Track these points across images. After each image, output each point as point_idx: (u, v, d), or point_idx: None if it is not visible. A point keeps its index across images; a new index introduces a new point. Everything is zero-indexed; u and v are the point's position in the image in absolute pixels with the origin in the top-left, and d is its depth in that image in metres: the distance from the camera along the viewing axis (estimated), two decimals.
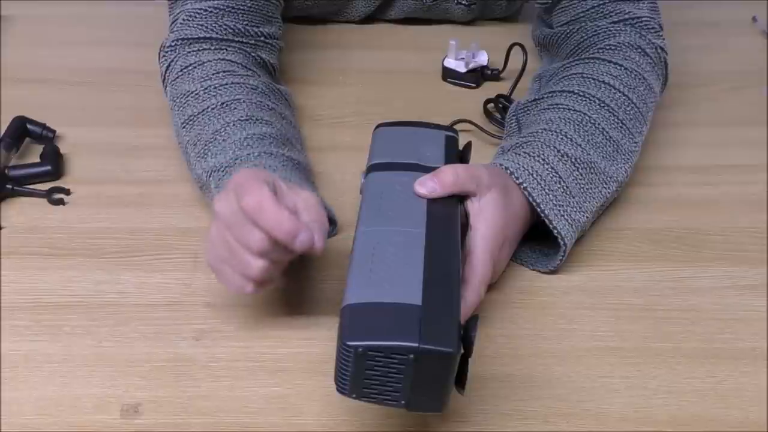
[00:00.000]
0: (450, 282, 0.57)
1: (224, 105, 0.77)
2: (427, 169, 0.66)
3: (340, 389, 0.54)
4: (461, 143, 0.73)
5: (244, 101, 0.78)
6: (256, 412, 0.62)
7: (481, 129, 0.89)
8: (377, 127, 0.74)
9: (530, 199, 0.69)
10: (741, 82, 1.01)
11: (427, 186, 0.64)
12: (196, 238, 0.76)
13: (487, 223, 0.66)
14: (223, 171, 0.71)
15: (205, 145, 0.74)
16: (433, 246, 0.59)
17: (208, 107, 0.77)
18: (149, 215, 0.79)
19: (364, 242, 0.60)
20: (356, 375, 0.52)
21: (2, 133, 0.85)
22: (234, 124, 0.75)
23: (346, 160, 0.86)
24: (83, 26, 1.10)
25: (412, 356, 0.51)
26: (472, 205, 0.67)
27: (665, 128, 0.91)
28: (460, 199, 0.66)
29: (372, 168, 0.68)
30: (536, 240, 0.73)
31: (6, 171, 0.81)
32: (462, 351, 0.53)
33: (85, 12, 1.13)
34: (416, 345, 0.51)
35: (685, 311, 0.70)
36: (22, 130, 0.86)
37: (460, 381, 0.55)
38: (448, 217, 0.63)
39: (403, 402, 0.53)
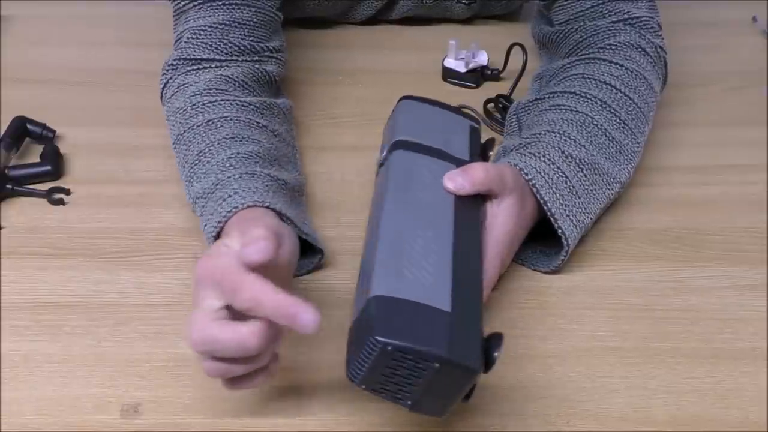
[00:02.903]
0: (476, 291, 0.57)
1: (210, 122, 0.75)
2: (454, 160, 0.65)
3: (352, 377, 0.52)
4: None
5: (231, 119, 0.75)
6: (256, 412, 0.62)
7: (485, 123, 0.89)
8: (402, 99, 0.72)
9: (538, 196, 0.69)
10: (741, 82, 1.01)
11: (456, 182, 0.64)
12: (196, 238, 0.76)
13: (503, 229, 0.66)
14: (205, 198, 0.69)
15: (191, 168, 0.72)
16: (461, 249, 0.58)
17: (194, 125, 0.75)
18: (149, 215, 0.79)
19: (391, 227, 0.59)
20: (374, 369, 0.51)
21: (2, 133, 0.85)
22: (218, 143, 0.72)
23: (346, 160, 0.86)
24: (83, 26, 1.10)
25: (437, 365, 0.51)
26: (491, 207, 0.66)
27: (665, 128, 0.91)
28: (482, 198, 0.66)
29: (398, 144, 0.66)
30: (537, 240, 0.73)
31: (6, 171, 0.81)
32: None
33: (85, 12, 1.13)
34: (445, 355, 0.51)
35: (685, 311, 0.70)
36: (22, 130, 0.86)
37: (469, 393, 0.55)
38: (474, 219, 0.63)
39: (409, 402, 0.53)
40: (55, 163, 0.83)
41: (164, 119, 0.84)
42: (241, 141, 0.73)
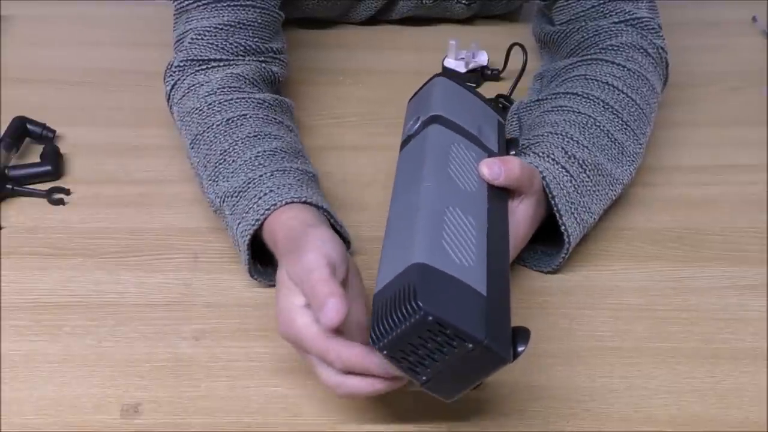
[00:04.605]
0: (506, 281, 0.56)
1: (230, 121, 0.75)
2: (486, 149, 0.65)
3: (376, 339, 0.51)
4: None
5: (250, 116, 0.75)
6: (256, 412, 0.62)
7: None
8: (436, 76, 0.72)
9: (547, 190, 0.69)
10: (741, 82, 1.01)
11: (493, 171, 0.64)
12: (196, 238, 0.76)
13: (517, 229, 0.66)
14: (237, 196, 0.69)
15: (215, 167, 0.72)
16: (493, 238, 0.58)
17: (212, 124, 0.75)
18: (149, 215, 0.79)
19: (431, 200, 0.58)
20: (405, 335, 0.50)
21: (2, 133, 0.85)
22: (242, 142, 0.73)
23: (346, 160, 0.86)
24: (83, 26, 1.10)
25: (471, 346, 0.50)
26: (511, 203, 0.66)
27: (665, 128, 0.91)
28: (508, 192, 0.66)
29: (436, 119, 0.66)
30: (537, 240, 0.73)
31: (6, 171, 0.81)
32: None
33: (85, 12, 1.13)
34: (483, 339, 0.50)
35: (685, 311, 0.70)
36: (22, 130, 0.86)
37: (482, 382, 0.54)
38: (503, 212, 0.63)
39: (424, 378, 0.52)
40: (55, 163, 0.83)
41: (165, 119, 0.84)
42: (264, 138, 0.73)
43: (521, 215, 0.67)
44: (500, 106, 0.92)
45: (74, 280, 0.72)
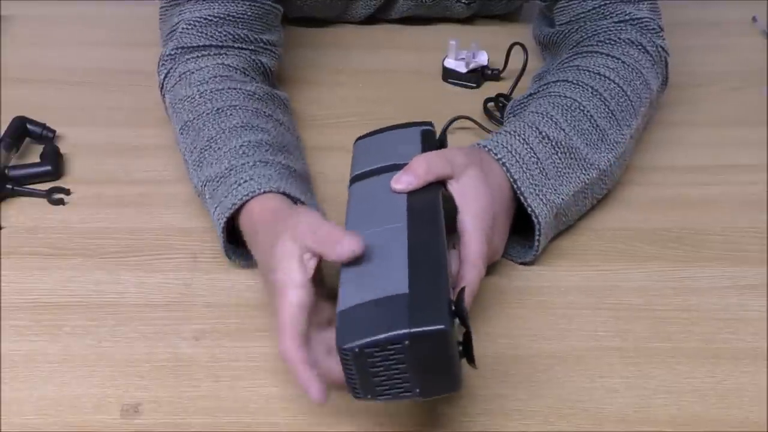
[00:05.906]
0: (436, 265, 0.57)
1: (219, 111, 0.76)
2: (402, 166, 0.66)
3: (355, 395, 0.54)
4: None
5: (240, 107, 0.77)
6: (256, 412, 0.62)
7: (481, 126, 0.89)
8: (356, 141, 0.75)
9: (508, 175, 0.70)
10: (741, 82, 1.01)
11: (402, 181, 0.65)
12: (196, 238, 0.76)
13: (473, 202, 0.66)
14: (217, 181, 0.71)
15: (201, 153, 0.74)
16: (416, 236, 0.59)
17: (203, 112, 0.76)
18: (149, 215, 0.79)
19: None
20: (363, 376, 0.53)
21: (2, 133, 0.85)
22: (229, 131, 0.74)
23: (345, 160, 0.85)
24: (83, 26, 1.10)
25: (407, 343, 0.51)
26: (453, 188, 0.66)
27: (665, 128, 0.91)
28: (442, 184, 0.66)
29: (353, 180, 0.69)
30: (524, 234, 0.73)
31: (6, 171, 0.81)
32: (458, 325, 0.53)
33: (85, 12, 1.13)
34: (407, 331, 0.51)
35: (685, 311, 0.70)
36: (22, 130, 0.86)
37: (470, 356, 0.54)
38: (428, 205, 0.63)
39: (417, 390, 0.53)
40: (55, 163, 0.83)
41: (165, 119, 0.84)
42: (251, 129, 0.74)
43: (471, 188, 0.66)
44: (500, 105, 0.92)
45: (74, 280, 0.72)
